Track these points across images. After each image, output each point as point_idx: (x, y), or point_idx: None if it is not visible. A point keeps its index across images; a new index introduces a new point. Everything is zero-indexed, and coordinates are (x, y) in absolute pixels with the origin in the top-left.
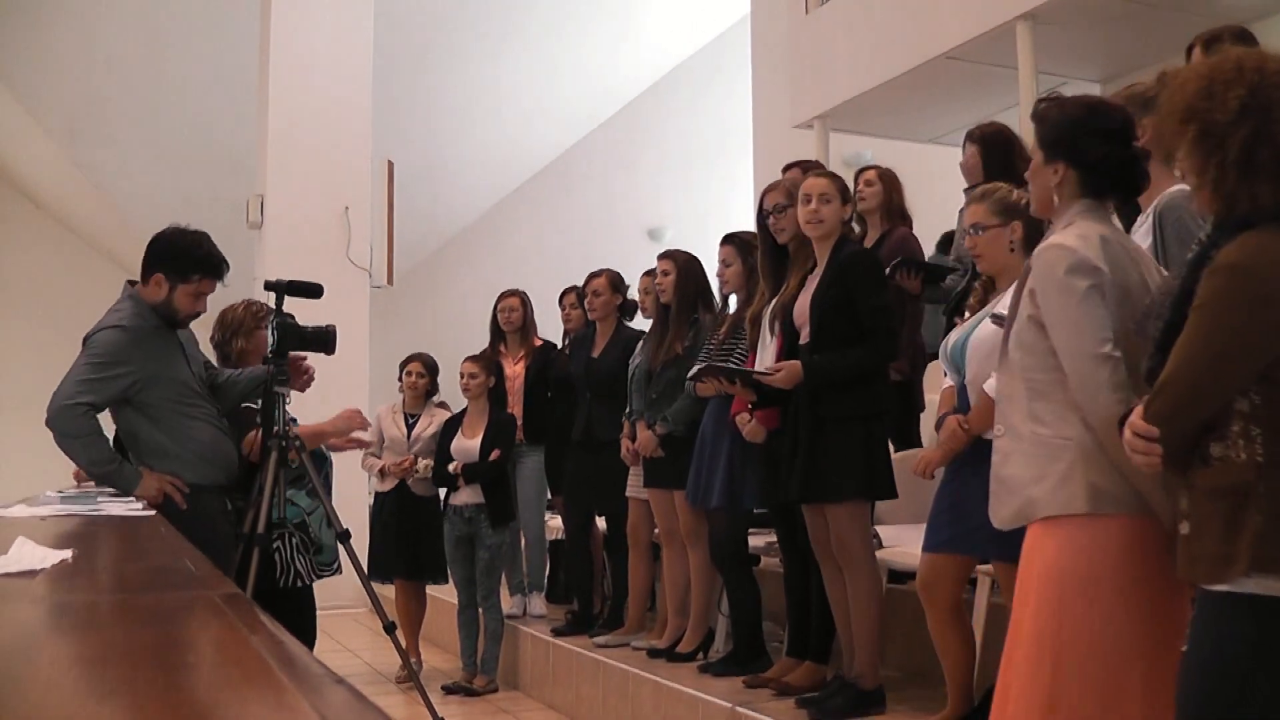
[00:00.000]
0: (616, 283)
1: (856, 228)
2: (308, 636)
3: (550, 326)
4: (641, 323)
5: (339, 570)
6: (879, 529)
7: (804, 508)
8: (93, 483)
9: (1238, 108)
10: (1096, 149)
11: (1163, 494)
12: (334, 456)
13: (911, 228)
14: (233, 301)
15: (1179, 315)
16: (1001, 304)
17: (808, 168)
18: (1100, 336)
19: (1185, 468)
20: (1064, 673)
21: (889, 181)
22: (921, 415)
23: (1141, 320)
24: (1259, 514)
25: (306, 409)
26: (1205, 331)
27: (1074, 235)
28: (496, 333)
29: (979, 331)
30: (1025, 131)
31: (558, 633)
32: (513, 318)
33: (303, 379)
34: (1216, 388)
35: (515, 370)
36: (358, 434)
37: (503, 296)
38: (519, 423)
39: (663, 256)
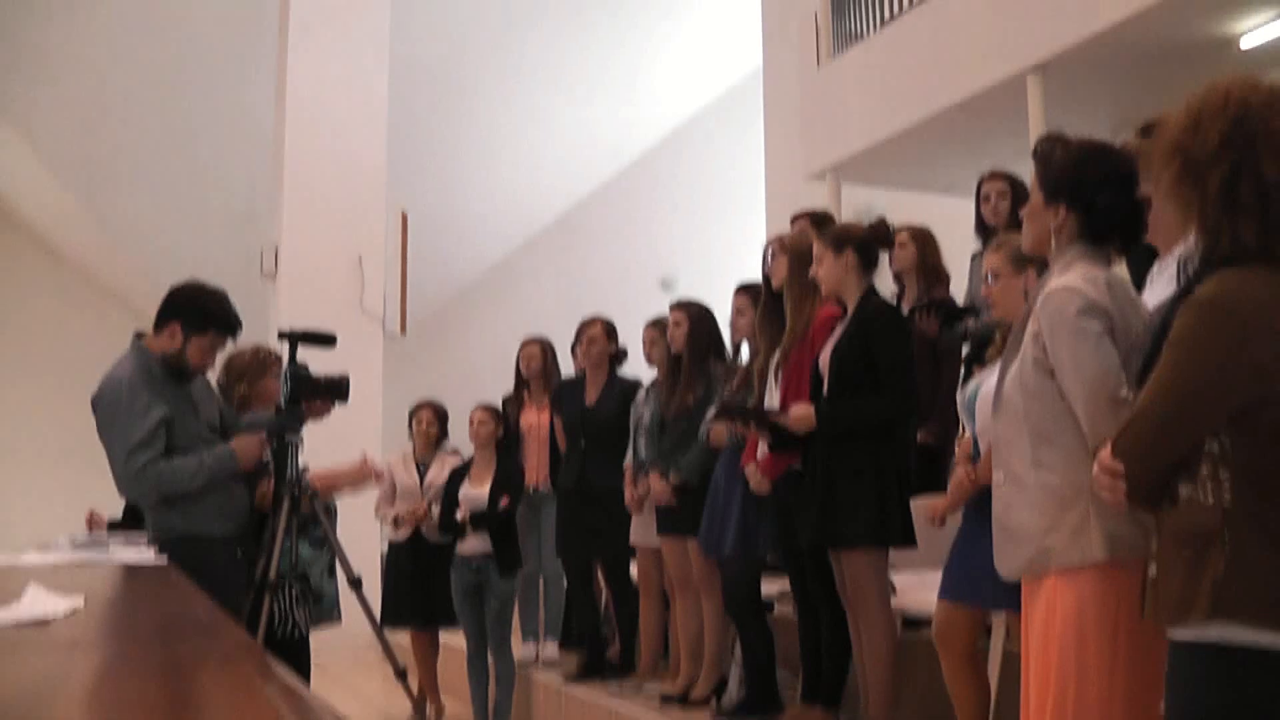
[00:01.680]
0: (611, 330)
1: (894, 287)
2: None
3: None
4: (630, 371)
5: (339, 619)
6: (894, 576)
7: (830, 554)
8: (104, 529)
9: (1218, 141)
10: (1101, 194)
11: None
12: (344, 503)
13: (948, 287)
14: (242, 349)
15: (1156, 349)
16: None
17: (817, 219)
18: (1116, 381)
19: (1157, 507)
20: None
21: (922, 241)
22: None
23: (1127, 356)
24: (1221, 559)
25: (319, 457)
26: (1177, 367)
27: (1079, 277)
28: (520, 380)
29: (989, 382)
30: None
31: (570, 679)
32: (533, 365)
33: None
34: (1185, 427)
35: (540, 418)
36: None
37: (524, 344)
38: (545, 471)
39: (676, 307)
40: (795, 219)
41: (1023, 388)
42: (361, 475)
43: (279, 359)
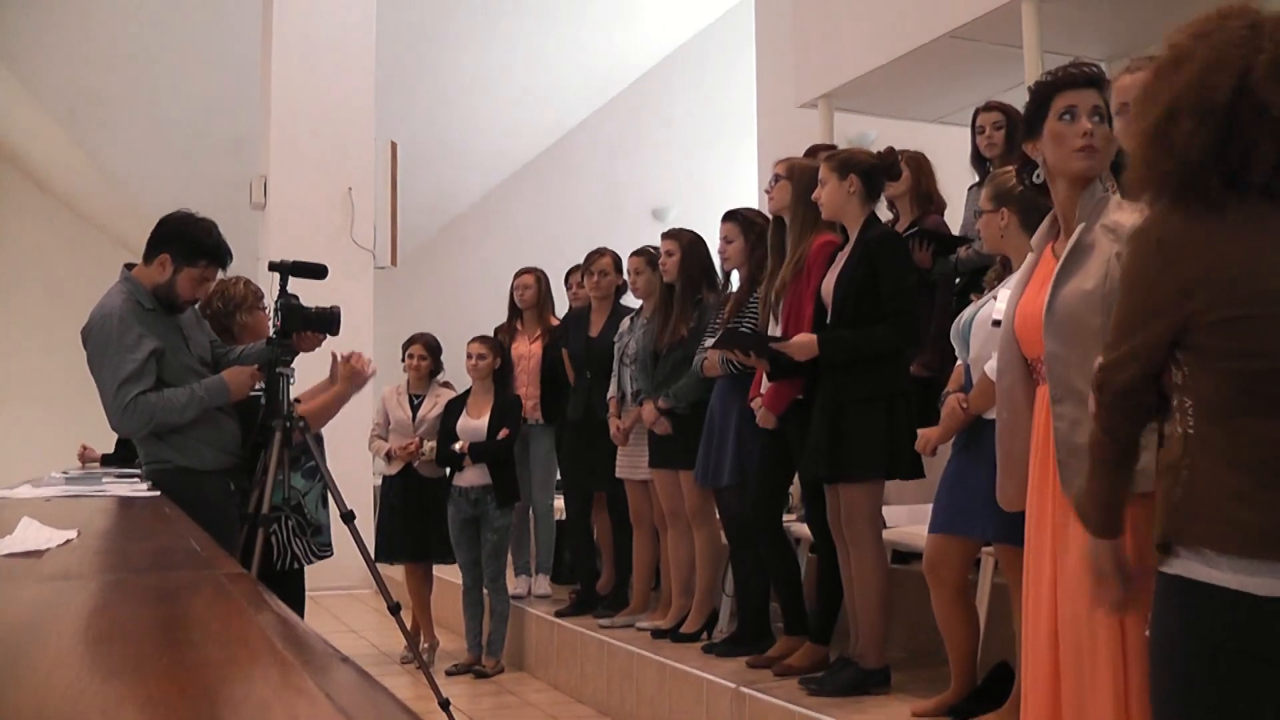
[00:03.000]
0: (619, 263)
1: (889, 214)
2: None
3: (556, 306)
4: (631, 301)
5: (331, 552)
6: (885, 509)
7: (825, 488)
8: (97, 463)
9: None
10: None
11: None
12: (338, 438)
13: (943, 213)
14: (225, 280)
15: None
16: (1002, 296)
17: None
18: None
19: (1131, 445)
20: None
21: (917, 166)
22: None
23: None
24: (1178, 486)
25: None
26: (1122, 307)
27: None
28: (514, 310)
29: (984, 311)
30: None
31: (562, 614)
32: (526, 295)
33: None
34: (1139, 362)
35: (531, 349)
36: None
37: (518, 274)
38: (535, 402)
39: (667, 236)
40: (808, 153)
41: (1106, 304)
42: (358, 375)
43: (261, 293)
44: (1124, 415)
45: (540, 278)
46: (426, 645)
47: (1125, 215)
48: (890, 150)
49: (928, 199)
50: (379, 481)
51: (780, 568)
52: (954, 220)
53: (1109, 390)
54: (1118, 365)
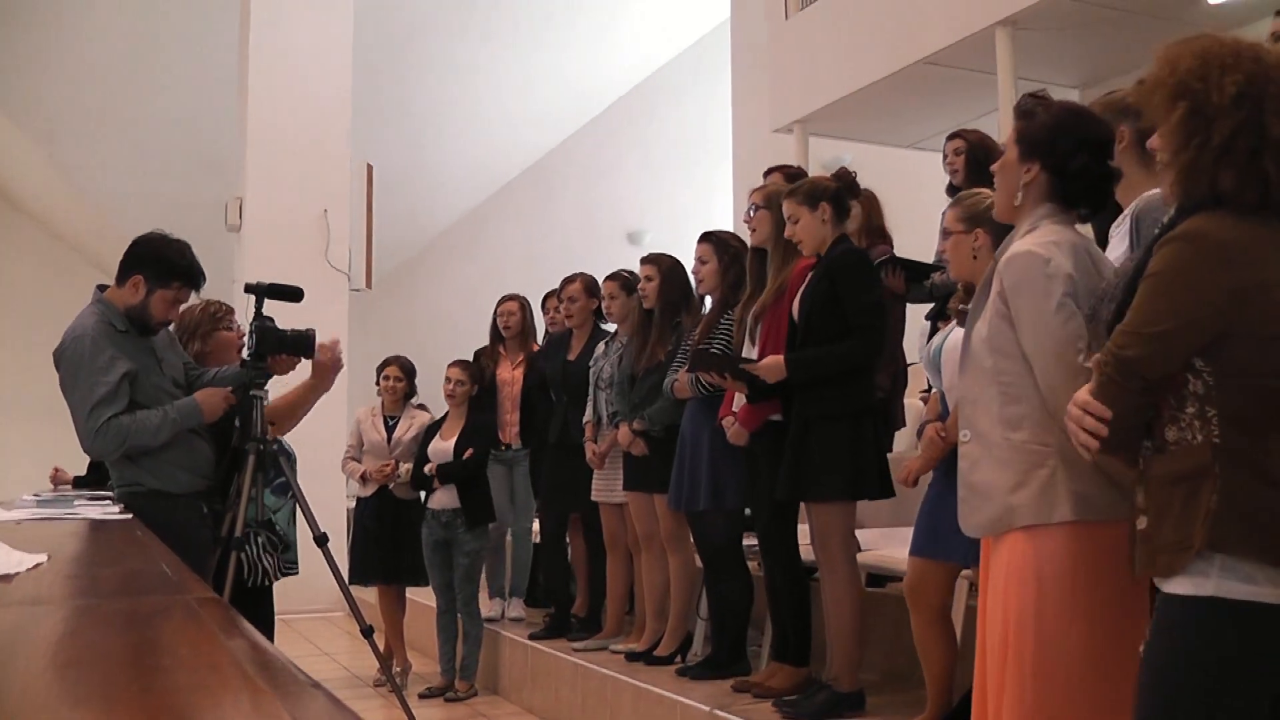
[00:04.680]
0: (592, 287)
1: None
2: (267, 635)
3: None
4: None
5: (297, 570)
6: (858, 533)
7: (804, 508)
8: (69, 486)
9: (1235, 94)
10: (1075, 157)
11: None
12: (313, 459)
13: (892, 246)
14: (191, 305)
15: (1130, 295)
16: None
17: (790, 174)
18: (1077, 346)
19: (1134, 455)
20: (1048, 684)
21: (868, 201)
22: (899, 432)
23: (1095, 307)
24: (1214, 494)
25: None
26: (1160, 291)
27: (1045, 241)
28: (496, 336)
29: (953, 338)
30: (1006, 137)
31: (536, 637)
32: (511, 322)
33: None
34: (1168, 348)
35: (514, 375)
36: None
37: (502, 300)
38: (516, 428)
39: (646, 261)
40: (769, 173)
41: (990, 345)
42: (325, 364)
43: (231, 310)
44: (1137, 429)
45: (524, 305)
46: (399, 668)
47: (1020, 243)
48: (844, 170)
49: (878, 233)
50: (353, 504)
51: (794, 591)
52: (929, 245)
53: (1122, 365)
54: (1137, 343)
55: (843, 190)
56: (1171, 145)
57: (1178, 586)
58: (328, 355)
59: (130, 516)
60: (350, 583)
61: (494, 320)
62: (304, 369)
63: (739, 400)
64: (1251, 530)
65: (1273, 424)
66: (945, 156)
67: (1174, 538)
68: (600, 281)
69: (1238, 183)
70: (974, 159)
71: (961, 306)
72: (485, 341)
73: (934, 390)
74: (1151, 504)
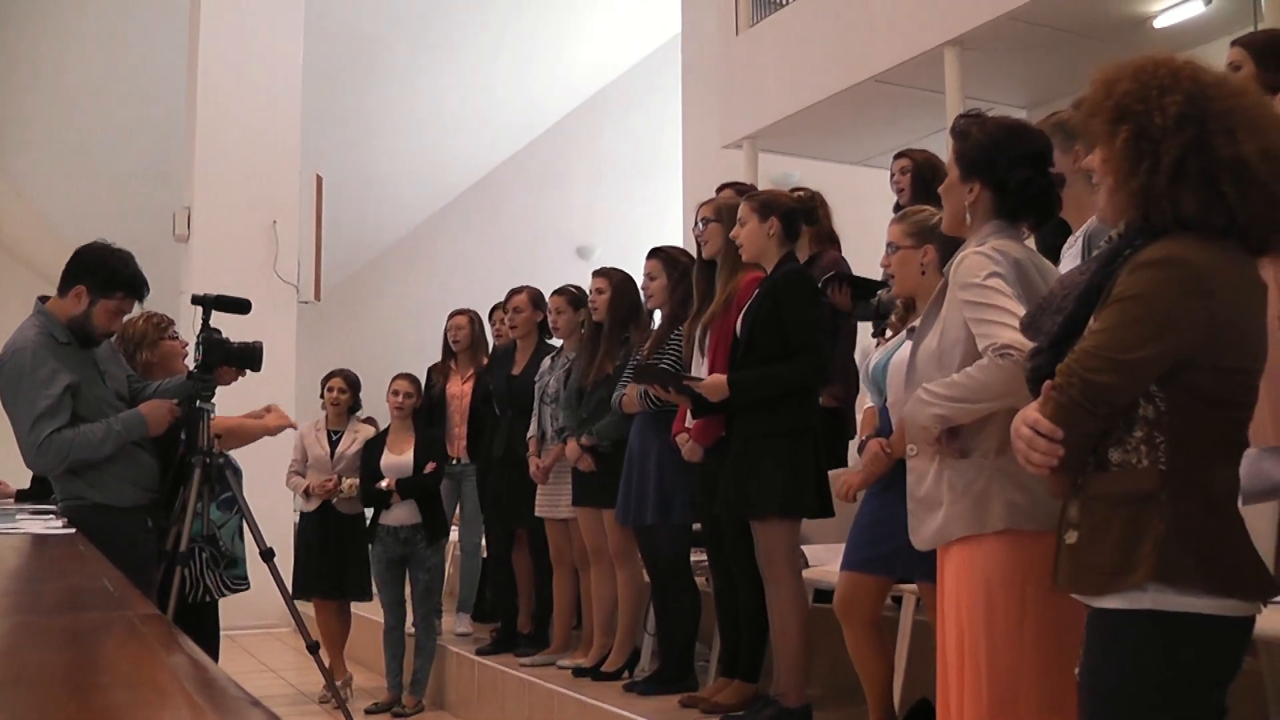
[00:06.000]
0: (537, 300)
1: None
2: (211, 652)
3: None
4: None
5: (248, 586)
6: (805, 548)
7: (751, 524)
8: (11, 500)
9: (1177, 114)
10: (1015, 172)
11: None
12: (260, 473)
13: (840, 250)
14: (133, 317)
15: (1085, 309)
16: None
17: (742, 190)
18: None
19: (1078, 474)
20: (1001, 689)
21: (817, 207)
22: (851, 442)
23: (1033, 316)
24: (1162, 522)
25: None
26: (1139, 317)
27: (991, 249)
28: (447, 350)
29: (900, 353)
30: None
31: (483, 652)
32: (460, 336)
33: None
34: (1142, 376)
35: (463, 389)
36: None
37: (452, 315)
38: (464, 443)
39: (597, 274)
40: (721, 189)
41: (939, 360)
42: (279, 423)
43: (172, 321)
44: (1085, 448)
45: (474, 319)
46: (340, 681)
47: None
48: (811, 195)
49: (828, 237)
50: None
51: (755, 606)
52: (876, 261)
53: (1090, 389)
54: (1111, 369)
55: (798, 211)
56: (1119, 170)
57: (1110, 602)
58: (275, 417)
59: (74, 531)
60: (294, 597)
61: (444, 334)
62: (247, 382)
63: (693, 418)
64: (1198, 560)
65: (1221, 453)
66: (892, 175)
67: (1110, 560)
68: (550, 295)
69: (1200, 206)
70: (920, 178)
71: (911, 326)
72: (434, 355)
73: (871, 405)
74: (1086, 521)
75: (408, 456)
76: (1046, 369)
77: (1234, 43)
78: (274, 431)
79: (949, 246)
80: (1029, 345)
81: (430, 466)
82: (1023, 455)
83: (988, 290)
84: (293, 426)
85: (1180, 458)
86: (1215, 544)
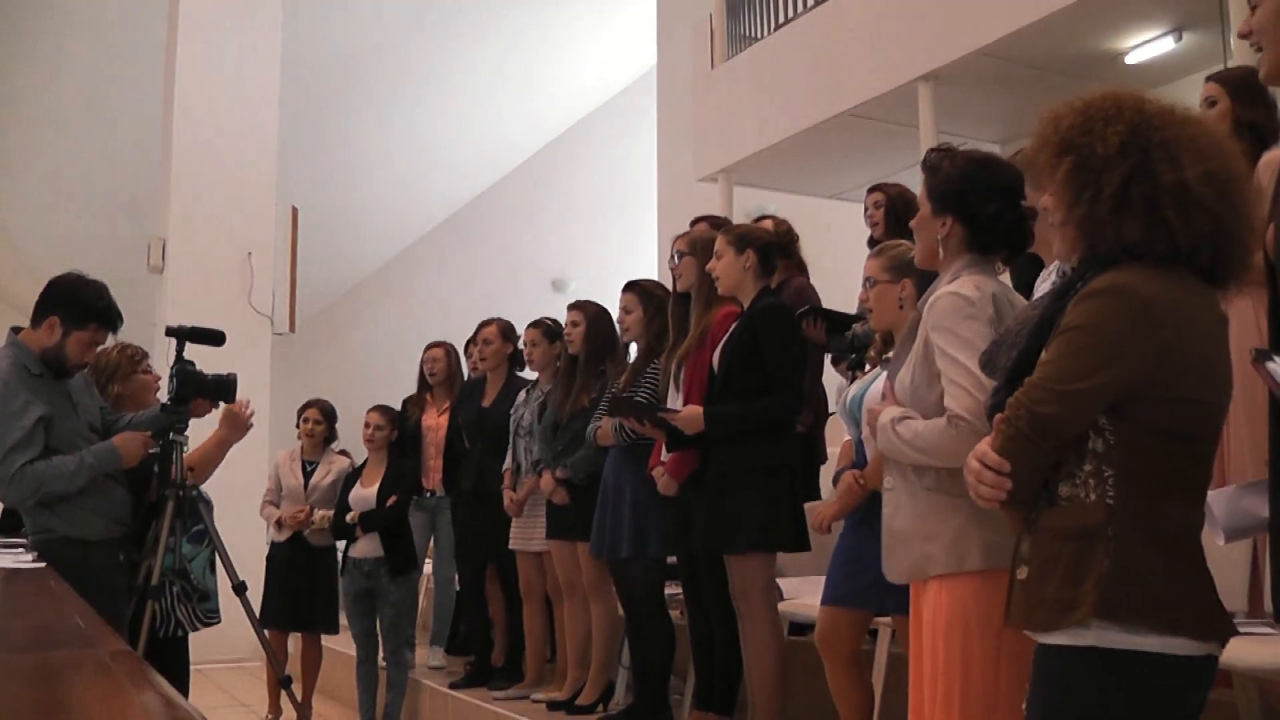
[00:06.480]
0: (507, 331)
1: None
2: (182, 687)
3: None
4: (529, 371)
5: (219, 619)
6: (780, 581)
7: (724, 557)
8: None
9: (1119, 143)
10: (986, 205)
11: None
12: (234, 505)
13: (808, 277)
14: (107, 348)
15: (1037, 344)
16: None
17: (717, 224)
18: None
19: (1030, 509)
20: None
21: (786, 231)
22: (822, 467)
23: (990, 353)
24: (1107, 558)
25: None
26: (1085, 347)
27: (967, 286)
28: (423, 383)
29: (874, 386)
30: None
31: (457, 685)
32: (436, 368)
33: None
34: (1087, 407)
35: (439, 421)
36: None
37: (428, 347)
38: (440, 475)
39: (573, 307)
40: (695, 222)
41: (912, 394)
42: (239, 426)
43: (146, 354)
44: (1035, 482)
45: (450, 351)
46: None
47: (944, 288)
48: (789, 230)
49: (796, 265)
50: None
51: (729, 640)
52: (849, 296)
53: (1042, 450)
54: (1056, 400)
55: (774, 245)
56: (1064, 201)
57: (1055, 638)
58: (228, 415)
59: (44, 565)
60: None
61: (420, 366)
62: (221, 414)
63: (668, 451)
64: (1143, 596)
65: (1170, 487)
66: (866, 209)
67: (1056, 595)
68: (525, 328)
69: (1144, 233)
70: (894, 212)
71: (887, 357)
72: (409, 387)
73: (848, 439)
74: (1036, 556)
75: (373, 490)
76: (1002, 405)
77: (1209, 78)
78: (233, 438)
79: (926, 280)
80: (980, 415)
81: (391, 500)
82: (973, 489)
83: (957, 342)
84: (248, 423)
85: (1129, 492)
86: (1163, 581)
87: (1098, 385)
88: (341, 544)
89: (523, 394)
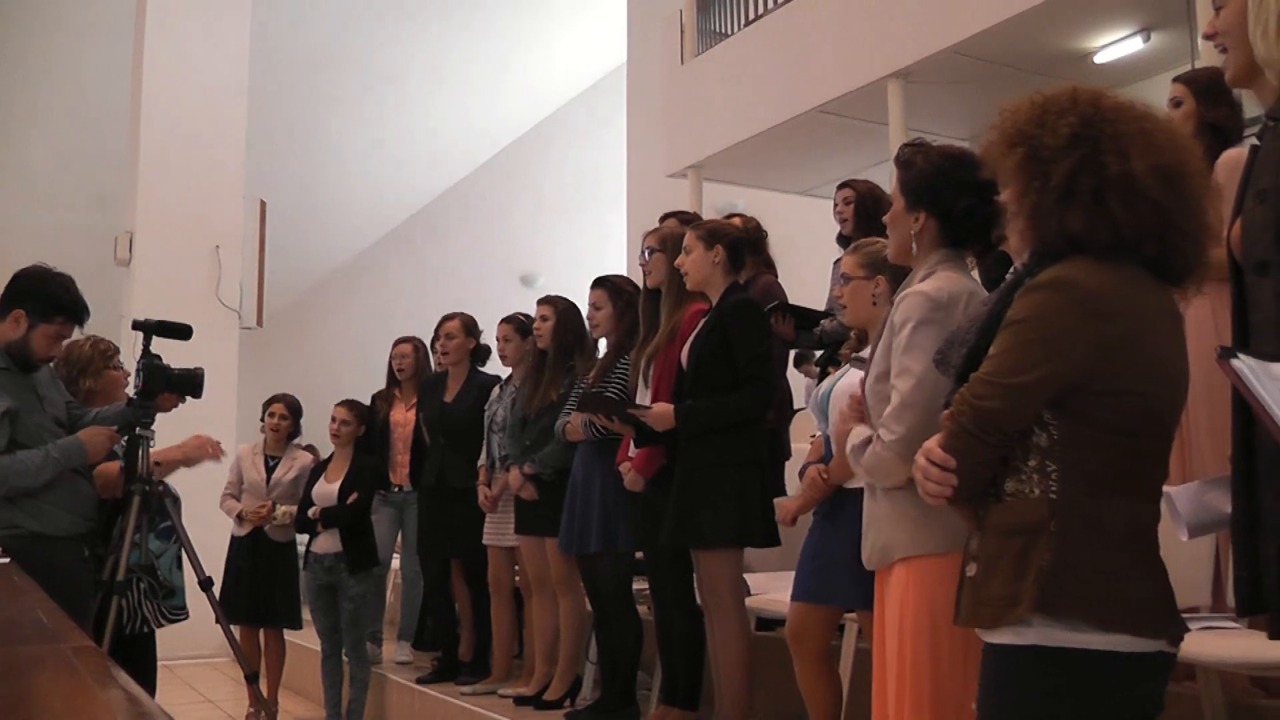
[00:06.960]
0: (470, 326)
1: None
2: (149, 684)
3: None
4: (494, 368)
5: (187, 615)
6: (748, 577)
7: (691, 553)
8: None
9: (1069, 135)
10: (960, 201)
11: None
12: (200, 501)
13: (776, 275)
14: (79, 341)
15: (986, 340)
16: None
17: (686, 219)
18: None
19: (979, 505)
20: (943, 710)
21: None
22: (787, 463)
23: (944, 351)
24: (1048, 553)
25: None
26: (1026, 340)
27: (936, 285)
28: (392, 378)
29: (843, 382)
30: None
31: (424, 680)
32: (405, 364)
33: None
34: (1030, 401)
35: (407, 416)
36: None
37: (397, 343)
38: (407, 470)
39: (542, 302)
40: (664, 218)
41: (884, 394)
42: (200, 452)
43: (118, 349)
44: (982, 477)
45: (418, 347)
46: (252, 709)
47: (914, 286)
48: (757, 225)
49: (764, 262)
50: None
51: (689, 634)
52: (818, 292)
53: (984, 444)
54: (998, 394)
55: (743, 240)
56: (1014, 191)
57: (1000, 636)
58: (195, 443)
59: (9, 561)
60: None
61: (389, 362)
62: (187, 408)
63: (635, 447)
64: (1082, 591)
65: (1114, 482)
66: (835, 205)
67: (1001, 592)
68: (498, 323)
69: (1087, 224)
70: (863, 208)
71: (855, 355)
72: (377, 382)
73: (818, 433)
74: (984, 553)
75: (336, 485)
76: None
77: (1175, 79)
78: (191, 460)
79: (900, 277)
80: (895, 435)
81: (351, 497)
82: (920, 485)
83: (911, 345)
84: (214, 459)
85: (1071, 487)
86: (1104, 577)
87: (1039, 378)
88: (304, 538)
89: (496, 390)
